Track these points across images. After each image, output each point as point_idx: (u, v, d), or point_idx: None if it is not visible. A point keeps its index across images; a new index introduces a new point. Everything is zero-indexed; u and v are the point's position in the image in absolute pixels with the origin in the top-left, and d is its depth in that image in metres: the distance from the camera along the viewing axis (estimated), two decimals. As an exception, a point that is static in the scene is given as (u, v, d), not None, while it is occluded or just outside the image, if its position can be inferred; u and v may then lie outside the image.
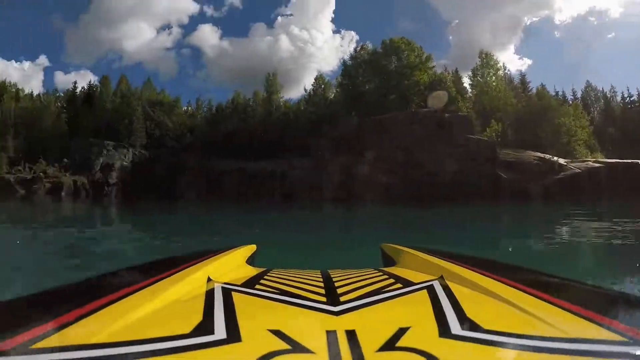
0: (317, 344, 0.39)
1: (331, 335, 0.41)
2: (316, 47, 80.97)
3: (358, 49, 35.86)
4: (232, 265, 0.99)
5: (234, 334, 0.42)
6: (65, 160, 39.61)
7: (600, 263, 3.48)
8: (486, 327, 0.44)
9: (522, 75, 35.27)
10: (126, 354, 0.37)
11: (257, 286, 0.68)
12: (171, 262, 0.96)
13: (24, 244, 5.38)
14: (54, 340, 0.40)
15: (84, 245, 5.55)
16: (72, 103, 44.96)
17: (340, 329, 0.43)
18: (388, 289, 0.66)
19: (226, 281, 0.70)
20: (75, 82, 47.81)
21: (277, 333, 0.41)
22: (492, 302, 0.57)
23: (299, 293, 0.62)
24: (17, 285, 2.53)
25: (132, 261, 0.91)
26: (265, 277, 0.78)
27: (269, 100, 38.16)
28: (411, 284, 0.69)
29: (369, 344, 0.38)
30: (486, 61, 33.90)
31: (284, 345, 0.38)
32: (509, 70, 35.24)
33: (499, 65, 34.14)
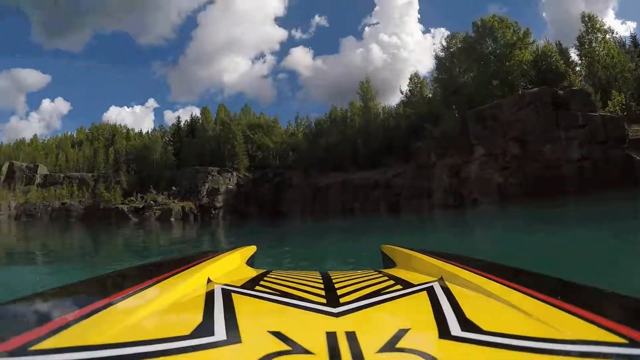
0: (317, 345, 0.42)
1: (331, 336, 0.45)
2: (408, 50, 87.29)
3: (448, 38, 36.22)
4: (232, 266, 1.10)
5: (234, 335, 0.46)
6: (174, 188, 48.64)
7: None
8: (486, 329, 0.48)
9: (633, 37, 31.52)
10: (126, 355, 0.41)
11: (257, 287, 0.75)
12: (171, 264, 1.10)
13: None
14: (54, 342, 0.43)
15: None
16: (177, 135, 55.72)
17: (340, 330, 0.47)
18: (388, 290, 0.73)
19: (226, 282, 0.77)
20: (178, 117, 59.19)
21: (277, 334, 0.45)
22: (492, 303, 0.63)
23: (299, 294, 0.68)
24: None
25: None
26: (265, 278, 0.87)
27: (366, 108, 41.92)
28: (411, 285, 0.76)
29: (369, 345, 0.42)
30: (591, 25, 31.02)
31: (284, 347, 0.42)
32: (617, 33, 31.80)
33: (606, 27, 31.14)
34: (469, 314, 0.54)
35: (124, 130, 66.86)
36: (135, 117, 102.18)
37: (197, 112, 55.72)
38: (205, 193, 44.98)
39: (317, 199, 38.65)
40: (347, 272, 0.96)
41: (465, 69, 34.05)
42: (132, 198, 48.54)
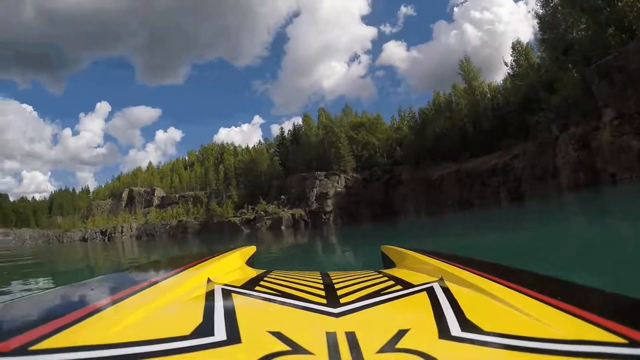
0: (317, 345, 0.47)
1: (331, 336, 0.49)
2: (504, 23, 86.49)
3: None
4: (232, 266, 1.20)
5: (234, 336, 0.51)
6: (282, 197, 56.27)
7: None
8: (486, 329, 0.53)
9: None
10: (126, 355, 0.45)
11: (257, 287, 0.82)
12: (171, 264, 1.21)
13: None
14: (54, 342, 0.47)
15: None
16: (282, 145, 63.57)
17: (340, 330, 0.51)
18: (388, 290, 0.79)
19: (226, 282, 0.84)
20: (281, 127, 67.18)
21: (277, 334, 0.50)
22: (491, 303, 0.69)
23: (299, 294, 0.75)
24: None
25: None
26: (265, 278, 0.94)
27: (471, 89, 43.52)
28: (411, 285, 0.83)
29: (369, 345, 0.46)
30: None
31: (284, 347, 0.46)
32: None
33: None
34: (469, 315, 0.59)
35: (232, 148, 77.57)
36: (244, 135, 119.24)
37: (300, 121, 62.38)
38: (314, 198, 50.85)
39: (430, 192, 40.85)
40: (347, 273, 1.05)
41: (572, 22, 31.71)
42: (243, 210, 57.02)
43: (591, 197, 18.17)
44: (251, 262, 1.49)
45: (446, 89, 47.15)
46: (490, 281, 0.81)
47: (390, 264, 1.46)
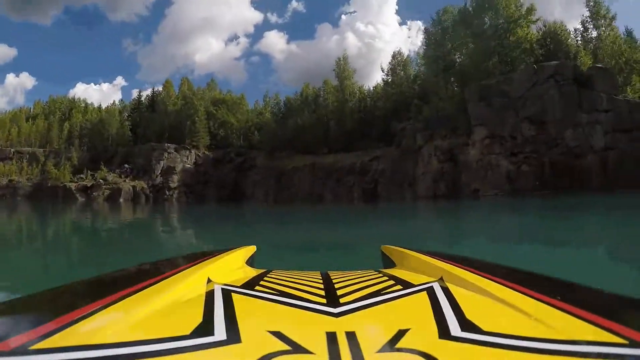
0: (317, 345, 0.47)
1: (331, 336, 0.50)
2: (384, 41, 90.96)
3: (440, 13, 37.05)
4: (232, 266, 1.21)
5: (233, 335, 0.51)
6: (126, 165, 51.83)
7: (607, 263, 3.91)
8: (486, 329, 0.53)
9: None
10: (126, 355, 0.45)
11: (257, 287, 0.83)
12: (171, 263, 1.22)
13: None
14: (54, 341, 0.48)
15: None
16: (138, 110, 58.39)
17: (340, 330, 0.52)
18: (388, 290, 0.79)
19: (226, 282, 0.84)
20: (139, 91, 61.67)
21: (277, 334, 0.50)
22: (491, 303, 0.69)
23: (299, 294, 0.75)
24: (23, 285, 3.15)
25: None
26: (265, 278, 0.95)
27: (342, 87, 43.76)
28: (411, 285, 0.83)
29: (369, 345, 0.47)
30: (596, 10, 32.41)
31: (284, 347, 0.46)
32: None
33: (611, 15, 32.39)
34: (469, 314, 0.59)
35: (83, 105, 69.51)
36: (103, 95, 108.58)
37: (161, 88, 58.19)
38: (159, 172, 47.21)
39: (283, 183, 40.27)
40: (347, 272, 1.05)
41: (459, 44, 35.20)
42: (81, 176, 51.36)
43: (448, 206, 19.37)
44: (251, 262, 1.50)
45: (318, 85, 47.36)
46: (490, 281, 0.81)
47: (390, 263, 1.45)
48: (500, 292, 0.72)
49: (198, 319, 0.58)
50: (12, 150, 69.98)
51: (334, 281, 0.88)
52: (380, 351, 0.45)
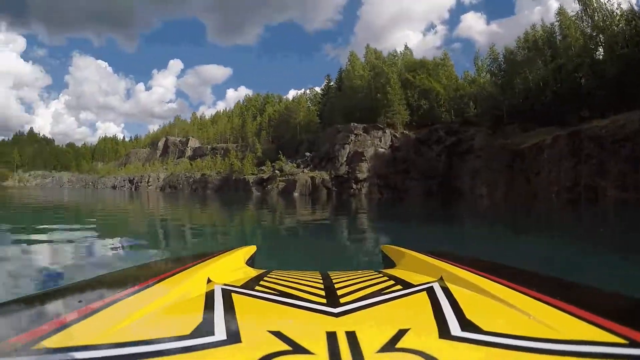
0: (317, 345, 0.46)
1: (331, 336, 0.49)
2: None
3: None
4: (232, 266, 1.17)
5: (234, 335, 0.50)
6: (307, 154, 42.99)
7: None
8: (486, 329, 0.52)
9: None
10: (126, 355, 0.45)
11: (257, 287, 0.81)
12: (171, 263, 1.18)
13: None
14: (54, 341, 0.48)
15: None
16: (326, 96, 51.08)
17: (340, 330, 0.51)
18: (388, 290, 0.78)
19: (226, 282, 0.84)
20: (328, 75, 53.96)
21: (277, 334, 0.49)
22: (491, 303, 0.68)
23: (299, 294, 0.74)
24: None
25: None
26: (265, 278, 0.93)
27: (589, 10, 29.65)
28: (411, 285, 0.81)
29: (369, 345, 0.46)
30: None
31: (284, 347, 0.46)
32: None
33: None
34: (469, 314, 0.59)
35: (276, 98, 68.30)
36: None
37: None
38: (344, 159, 37.55)
39: (517, 169, 26.70)
40: (347, 272, 1.03)
41: None
42: (262, 168, 45.58)
43: None
44: (251, 262, 1.49)
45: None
46: (491, 281, 0.81)
47: (390, 263, 1.45)
48: (500, 292, 0.73)
49: (198, 319, 0.59)
50: (209, 147, 72.35)
51: (334, 281, 0.89)
52: (380, 351, 0.45)
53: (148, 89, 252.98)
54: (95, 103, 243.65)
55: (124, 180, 74.14)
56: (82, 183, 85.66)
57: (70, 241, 4.79)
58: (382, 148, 36.45)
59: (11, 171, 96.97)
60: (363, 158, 35.94)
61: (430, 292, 0.74)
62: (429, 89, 37.86)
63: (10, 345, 0.46)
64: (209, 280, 0.86)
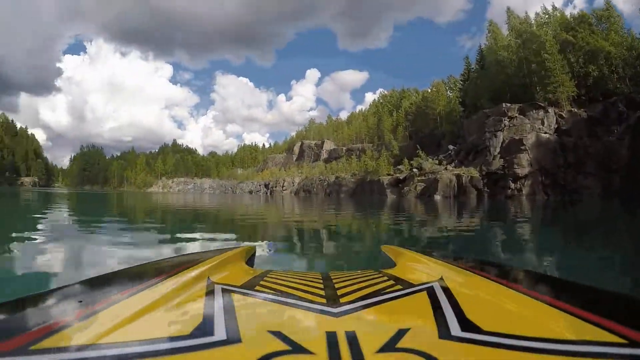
0: (317, 345, 0.46)
1: (331, 336, 0.50)
2: None
3: None
4: (231, 266, 1.16)
5: (233, 335, 0.51)
6: (450, 147, 37.19)
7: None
8: (486, 329, 0.53)
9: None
10: (126, 355, 0.45)
11: (257, 287, 0.81)
12: (171, 263, 1.15)
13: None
14: (54, 341, 0.48)
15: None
16: (466, 79, 44.68)
17: (340, 330, 0.52)
18: (388, 290, 0.78)
19: (226, 282, 0.84)
20: (467, 57, 48.70)
21: (277, 334, 0.50)
22: (492, 303, 0.68)
23: (299, 294, 0.74)
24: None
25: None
26: (265, 278, 0.93)
27: None
28: (411, 285, 0.82)
29: (369, 345, 0.46)
30: None
31: (284, 346, 0.46)
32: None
33: None
34: (469, 314, 0.59)
35: (413, 92, 63.06)
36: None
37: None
38: (497, 151, 30.94)
39: None
40: (347, 272, 1.04)
41: None
42: (399, 167, 40.96)
43: None
44: (251, 262, 1.50)
45: None
46: (490, 281, 0.82)
47: (390, 263, 1.41)
48: (500, 292, 0.73)
49: (198, 318, 0.59)
50: (344, 148, 70.50)
51: (333, 281, 0.89)
52: (380, 351, 0.46)
53: (289, 99, 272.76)
54: (240, 116, 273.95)
55: (260, 185, 76.15)
56: (222, 189, 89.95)
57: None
58: (545, 133, 29.30)
59: (156, 178, 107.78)
60: (522, 147, 29.03)
61: (430, 292, 0.74)
62: (595, 49, 29.97)
63: (10, 345, 0.46)
64: (208, 280, 0.86)
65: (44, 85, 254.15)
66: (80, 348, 0.46)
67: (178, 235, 5.53)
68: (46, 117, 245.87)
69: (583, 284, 0.77)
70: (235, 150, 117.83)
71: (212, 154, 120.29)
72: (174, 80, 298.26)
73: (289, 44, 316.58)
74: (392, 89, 71.60)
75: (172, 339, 0.50)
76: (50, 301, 0.72)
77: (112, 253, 3.89)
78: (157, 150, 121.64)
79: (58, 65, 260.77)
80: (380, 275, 0.98)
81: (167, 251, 4.07)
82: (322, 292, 0.76)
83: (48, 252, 3.82)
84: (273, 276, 0.97)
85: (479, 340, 0.50)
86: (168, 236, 5.42)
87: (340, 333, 0.51)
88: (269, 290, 0.78)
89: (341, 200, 28.41)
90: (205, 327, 0.55)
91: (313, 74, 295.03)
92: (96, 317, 0.58)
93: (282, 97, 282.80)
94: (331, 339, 0.49)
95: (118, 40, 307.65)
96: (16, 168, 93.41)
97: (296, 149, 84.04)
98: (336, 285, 0.83)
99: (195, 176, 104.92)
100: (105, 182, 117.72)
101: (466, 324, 0.56)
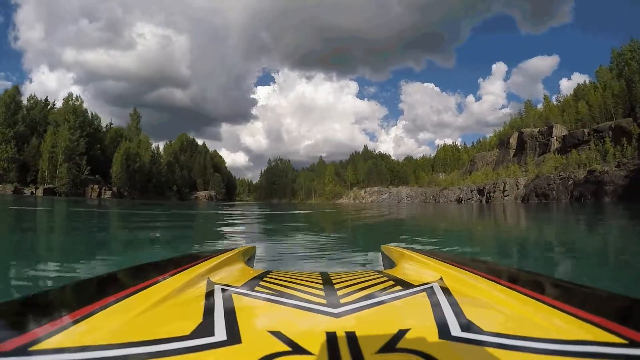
0: (317, 345, 0.47)
1: (331, 336, 0.50)
2: None
3: None
4: (231, 266, 1.19)
5: (234, 336, 0.51)
6: None
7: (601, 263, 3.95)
8: (485, 329, 0.54)
9: None
10: (126, 356, 0.45)
11: (257, 288, 0.82)
12: (171, 264, 1.16)
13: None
14: (53, 342, 0.48)
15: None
16: None
17: (340, 330, 0.52)
18: (388, 290, 0.79)
19: (226, 282, 0.85)
20: None
21: (277, 334, 0.51)
22: (491, 304, 0.69)
23: (299, 295, 0.75)
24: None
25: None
26: (265, 278, 0.94)
27: None
28: (411, 286, 0.82)
29: (369, 345, 0.47)
30: None
31: (284, 347, 0.47)
32: None
33: None
34: (469, 315, 0.60)
35: None
36: None
37: None
38: None
39: None
40: (347, 273, 1.05)
41: None
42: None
43: None
44: (251, 262, 1.52)
45: None
46: (490, 282, 0.83)
47: (390, 264, 1.48)
48: (500, 292, 0.74)
49: (198, 319, 0.59)
50: (586, 131, 51.41)
51: (333, 281, 0.90)
52: (380, 351, 0.46)
53: (478, 99, 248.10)
54: (430, 122, 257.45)
55: (470, 191, 62.27)
56: (422, 197, 79.58)
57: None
58: None
59: (346, 189, 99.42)
60: None
61: (430, 292, 0.75)
62: None
63: (10, 346, 0.46)
64: (208, 281, 0.87)
65: (241, 114, 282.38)
66: (80, 349, 0.47)
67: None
68: (246, 142, 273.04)
69: (583, 284, 0.78)
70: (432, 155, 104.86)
71: (408, 159, 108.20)
72: (360, 96, 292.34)
73: (468, 40, 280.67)
74: (632, 39, 51.72)
75: (172, 339, 0.50)
76: (50, 301, 0.73)
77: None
78: (347, 159, 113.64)
79: (252, 96, 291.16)
80: (380, 275, 0.98)
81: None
82: (321, 293, 0.76)
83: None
84: (273, 277, 0.96)
85: (479, 340, 0.50)
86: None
87: (340, 333, 0.51)
88: (268, 291, 0.78)
89: (605, 207, 20.40)
90: (205, 327, 0.54)
91: (499, 68, 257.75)
92: (96, 318, 0.58)
93: (470, 97, 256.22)
94: (331, 340, 0.49)
95: (300, 67, 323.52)
96: (191, 183, 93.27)
97: (513, 141, 67.34)
98: (336, 286, 0.84)
99: (391, 184, 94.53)
100: (292, 194, 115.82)
101: (466, 324, 0.56)
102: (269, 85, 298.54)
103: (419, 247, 1.64)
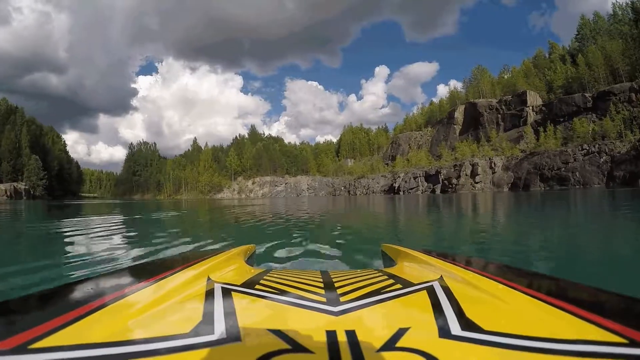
0: (317, 344, 0.48)
1: (331, 335, 0.51)
2: None
3: None
4: (231, 265, 1.20)
5: (233, 334, 0.52)
6: None
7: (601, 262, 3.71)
8: (486, 328, 0.54)
9: None
10: (125, 354, 0.45)
11: (257, 286, 0.83)
12: (171, 262, 1.19)
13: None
14: (52, 340, 0.48)
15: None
16: None
17: (340, 329, 0.53)
18: (388, 289, 0.80)
19: (226, 281, 0.86)
20: None
21: (277, 333, 0.51)
22: (492, 303, 0.70)
23: (299, 293, 0.76)
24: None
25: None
26: (265, 277, 0.95)
27: None
28: (411, 284, 0.83)
29: (369, 344, 0.48)
30: None
31: (284, 345, 0.47)
32: None
33: None
34: (469, 314, 0.60)
35: None
36: None
37: None
38: None
39: None
40: (347, 272, 1.06)
41: None
42: None
43: None
44: (251, 261, 1.53)
45: None
46: (491, 280, 0.84)
47: (390, 262, 1.48)
48: (501, 291, 0.75)
49: (198, 317, 0.60)
50: (588, 95, 36.58)
51: (333, 280, 0.91)
52: (380, 350, 0.47)
53: (359, 98, 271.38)
54: (312, 119, 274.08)
55: (413, 178, 46.67)
56: (329, 188, 64.29)
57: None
58: None
59: (228, 179, 79.20)
60: None
61: (431, 291, 0.75)
62: None
63: (9, 344, 0.46)
64: (208, 279, 0.88)
65: (121, 105, 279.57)
66: (79, 347, 0.47)
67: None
68: (125, 135, 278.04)
69: (583, 284, 0.79)
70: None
71: (301, 144, 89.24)
72: (245, 90, 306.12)
73: (354, 41, 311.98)
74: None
75: (172, 337, 0.50)
76: (50, 299, 0.73)
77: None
78: (229, 145, 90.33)
79: (133, 85, 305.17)
80: (380, 274, 0.99)
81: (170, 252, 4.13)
82: (322, 291, 0.77)
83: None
84: (273, 275, 0.98)
85: (479, 339, 0.50)
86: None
87: (340, 332, 0.52)
88: (268, 289, 0.79)
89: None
90: (205, 325, 0.55)
91: (382, 70, 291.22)
92: (95, 316, 0.58)
93: (352, 97, 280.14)
94: (331, 338, 0.50)
95: (186, 57, 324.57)
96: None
97: (459, 115, 53.37)
98: (336, 284, 0.84)
99: (287, 173, 75.78)
100: (158, 188, 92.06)
101: (466, 323, 0.56)
102: (152, 75, 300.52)
103: (417, 245, 1.57)
